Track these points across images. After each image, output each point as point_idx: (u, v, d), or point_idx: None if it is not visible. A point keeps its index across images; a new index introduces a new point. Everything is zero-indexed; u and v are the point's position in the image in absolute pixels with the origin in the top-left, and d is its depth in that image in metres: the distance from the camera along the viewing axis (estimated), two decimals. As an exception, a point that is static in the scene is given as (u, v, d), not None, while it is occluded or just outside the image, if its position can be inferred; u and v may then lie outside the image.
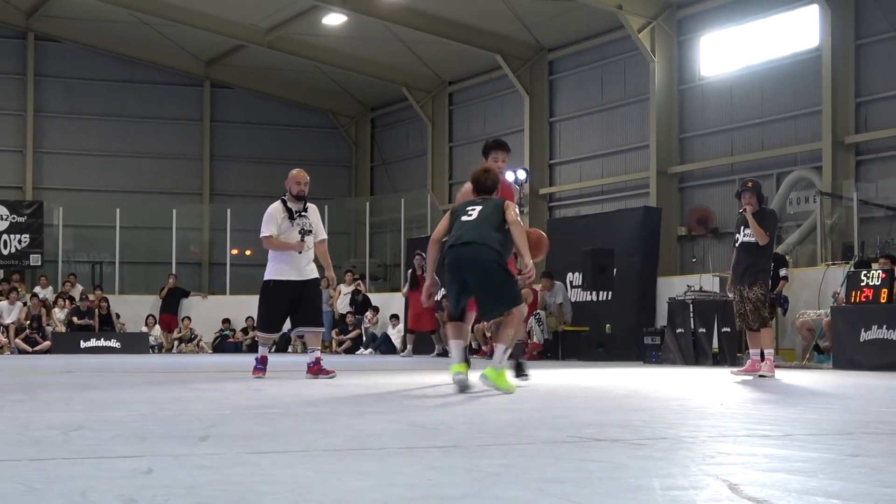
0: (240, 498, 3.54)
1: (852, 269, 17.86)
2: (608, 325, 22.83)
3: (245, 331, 31.00)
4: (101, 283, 32.10)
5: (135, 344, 28.95)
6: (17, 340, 27.92)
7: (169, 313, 31.16)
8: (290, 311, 12.80)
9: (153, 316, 30.84)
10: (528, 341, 23.20)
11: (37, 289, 30.81)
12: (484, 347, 22.98)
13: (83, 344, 28.26)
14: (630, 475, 4.12)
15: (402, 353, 26.26)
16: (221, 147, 36.95)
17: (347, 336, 28.63)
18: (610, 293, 23.10)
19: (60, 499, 3.47)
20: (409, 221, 33.17)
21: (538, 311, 23.13)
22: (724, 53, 26.15)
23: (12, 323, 28.34)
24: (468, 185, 10.68)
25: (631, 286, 22.98)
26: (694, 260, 25.27)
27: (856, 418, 7.21)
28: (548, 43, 30.43)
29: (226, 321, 31.15)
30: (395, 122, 37.42)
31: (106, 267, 33.83)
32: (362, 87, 36.05)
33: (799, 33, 24.47)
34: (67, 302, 29.92)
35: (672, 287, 22.32)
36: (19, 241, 32.49)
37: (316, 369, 12.55)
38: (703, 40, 26.66)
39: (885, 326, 16.11)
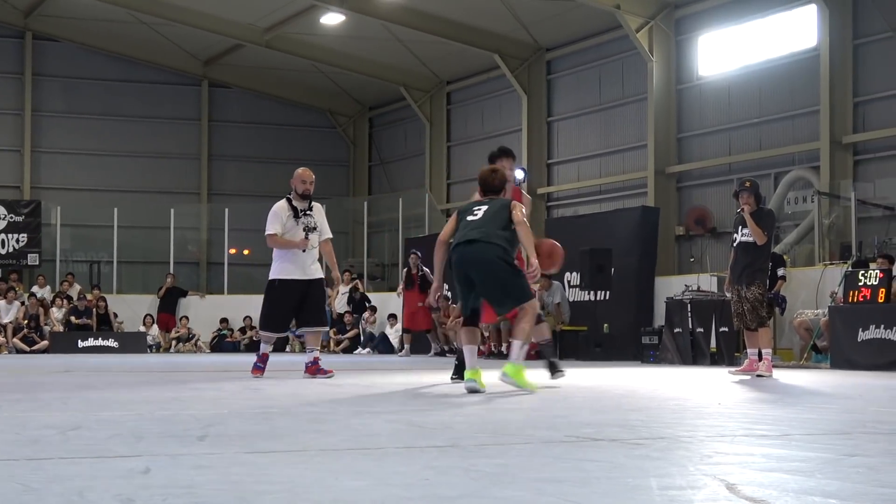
0: (237, 497, 3.54)
1: (850, 268, 17.86)
2: (606, 325, 22.83)
3: (243, 330, 30.99)
4: (98, 283, 32.08)
5: (132, 343, 28.94)
6: (15, 340, 27.91)
7: (167, 313, 31.13)
8: (295, 310, 12.76)
9: (151, 315, 30.83)
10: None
11: (34, 288, 30.80)
12: (482, 347, 22.97)
13: (81, 343, 28.25)
14: (628, 475, 4.13)
15: (399, 353, 26.26)
16: (219, 146, 36.94)
17: (345, 336, 28.63)
18: (608, 293, 23.09)
19: (58, 498, 3.47)
20: (406, 221, 33.17)
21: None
22: (722, 53, 26.15)
23: (10, 322, 28.33)
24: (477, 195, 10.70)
25: (629, 286, 22.98)
26: (692, 260, 25.26)
27: (853, 418, 7.21)
28: (546, 42, 30.43)
29: (223, 321, 31.13)
30: (393, 121, 37.41)
31: (104, 266, 33.81)
32: (360, 86, 36.05)
33: (797, 33, 24.48)
34: (65, 301, 29.91)
35: (670, 287, 22.32)
36: (17, 241, 32.47)
37: (314, 369, 12.56)
38: (701, 40, 26.66)
39: (882, 326, 16.11)
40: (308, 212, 12.71)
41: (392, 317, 28.12)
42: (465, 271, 9.65)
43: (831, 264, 20.35)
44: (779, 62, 24.84)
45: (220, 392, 9.71)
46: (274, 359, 13.27)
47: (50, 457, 4.58)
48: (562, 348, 23.24)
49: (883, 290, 16.35)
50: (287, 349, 29.96)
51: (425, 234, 31.87)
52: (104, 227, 33.42)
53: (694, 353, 19.35)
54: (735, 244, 13.59)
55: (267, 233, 12.65)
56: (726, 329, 18.57)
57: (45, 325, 28.75)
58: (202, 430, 5.76)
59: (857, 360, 16.23)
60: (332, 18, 30.61)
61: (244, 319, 31.02)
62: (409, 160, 36.30)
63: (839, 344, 16.80)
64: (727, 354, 18.64)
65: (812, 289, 19.90)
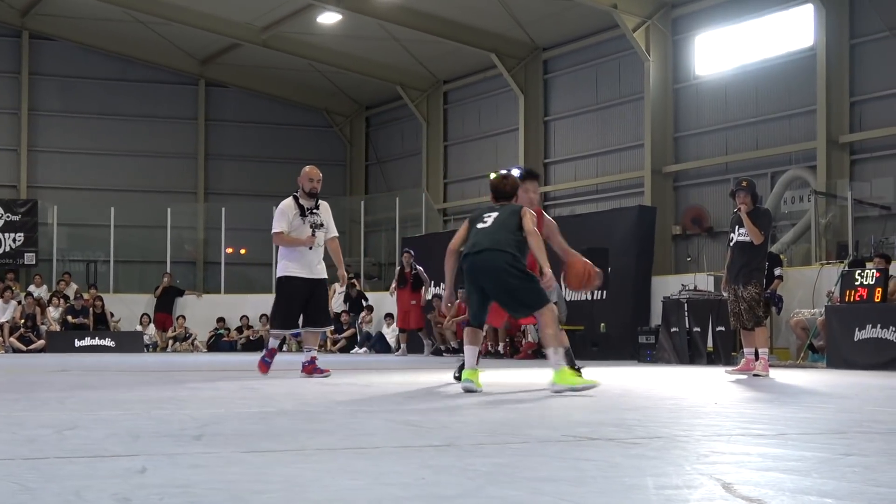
0: (234, 497, 3.54)
1: (846, 268, 17.87)
2: (603, 325, 22.84)
3: (240, 329, 30.98)
4: (95, 282, 32.07)
5: (129, 343, 28.92)
6: (12, 339, 27.89)
7: (163, 312, 31.13)
8: (303, 308, 12.72)
9: (148, 315, 30.81)
10: (524, 340, 23.24)
11: (31, 287, 30.77)
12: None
13: (78, 343, 28.24)
14: (624, 474, 4.13)
15: (396, 353, 26.27)
16: (216, 146, 36.93)
17: (342, 335, 28.62)
18: (604, 292, 23.09)
19: (54, 498, 3.47)
20: (403, 220, 33.18)
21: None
22: (719, 53, 26.16)
23: (7, 322, 28.31)
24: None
25: (626, 285, 22.98)
26: (688, 259, 25.28)
27: (850, 417, 7.22)
28: (542, 42, 30.43)
29: (220, 320, 31.12)
30: (389, 120, 37.41)
31: (100, 266, 33.79)
32: (357, 85, 36.04)
33: (793, 33, 24.49)
34: (62, 301, 29.89)
35: (667, 286, 22.33)
36: (14, 240, 32.46)
37: (311, 368, 12.55)
38: (698, 40, 26.67)
39: (878, 326, 16.12)
40: (315, 210, 12.68)
41: (389, 316, 28.11)
42: (476, 281, 9.58)
43: (828, 264, 20.36)
44: (775, 62, 24.85)
45: (217, 391, 9.71)
46: (275, 358, 13.25)
47: (46, 456, 4.58)
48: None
49: (879, 289, 16.35)
50: (284, 348, 29.95)
51: (422, 233, 31.90)
52: (101, 226, 33.41)
53: (691, 353, 19.36)
54: (732, 244, 13.59)
55: (273, 231, 12.62)
56: (723, 328, 18.57)
57: (42, 324, 28.72)
58: (199, 429, 5.76)
59: (853, 360, 16.24)
60: (329, 18, 30.61)
61: (241, 319, 31.02)
62: (406, 159, 36.30)
63: (836, 343, 16.81)
64: (724, 354, 18.65)
65: (809, 288, 19.92)
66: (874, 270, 16.71)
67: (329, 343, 28.34)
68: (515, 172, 22.55)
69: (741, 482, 3.90)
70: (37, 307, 28.81)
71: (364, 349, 28.16)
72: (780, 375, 13.65)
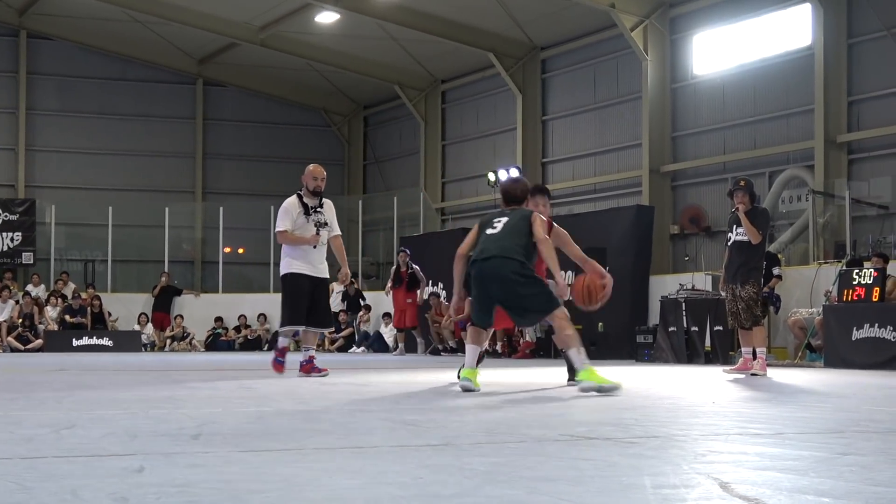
0: (231, 496, 3.54)
1: (844, 267, 17.88)
2: (601, 324, 22.82)
3: (237, 329, 30.98)
4: (93, 282, 32.06)
5: (127, 342, 28.92)
6: (10, 339, 27.88)
7: (161, 311, 31.12)
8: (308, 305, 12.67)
9: (146, 314, 30.80)
10: (521, 340, 23.24)
11: (29, 287, 30.76)
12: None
13: (75, 342, 28.23)
14: (621, 473, 4.13)
15: (394, 352, 26.27)
16: (214, 145, 36.93)
17: (340, 334, 28.62)
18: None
19: (52, 497, 3.47)
20: (401, 220, 33.20)
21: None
22: (717, 52, 26.17)
23: (4, 321, 28.30)
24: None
25: (623, 284, 22.89)
26: (686, 258, 25.29)
27: (847, 417, 7.22)
28: (540, 41, 30.44)
29: (218, 319, 31.12)
30: (387, 120, 37.42)
31: (98, 265, 33.79)
32: (355, 85, 36.04)
33: (791, 32, 24.50)
34: (60, 300, 29.89)
35: (664, 285, 22.33)
36: (11, 240, 32.46)
37: (308, 367, 12.55)
38: (696, 39, 26.68)
39: (876, 325, 16.13)
40: (319, 208, 12.65)
41: (387, 315, 28.11)
42: (486, 288, 9.52)
43: (826, 263, 20.37)
44: (773, 61, 24.86)
45: (215, 391, 9.70)
46: (269, 358, 13.25)
47: (44, 455, 4.58)
48: (556, 347, 23.25)
49: (877, 288, 16.36)
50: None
51: (420, 232, 31.90)
52: (99, 225, 33.40)
53: (688, 352, 19.36)
54: (729, 243, 13.58)
55: (277, 229, 12.59)
56: (721, 328, 18.57)
57: (40, 323, 28.71)
58: (196, 428, 5.76)
59: (851, 359, 16.25)
60: (327, 17, 30.61)
61: (239, 318, 31.02)
62: (404, 159, 36.31)
63: (833, 343, 16.82)
64: (722, 353, 18.65)
65: (806, 288, 19.92)
66: (872, 270, 16.72)
67: (327, 342, 28.34)
68: (514, 173, 22.47)
69: (738, 481, 3.90)
70: (35, 306, 28.80)
71: (362, 348, 28.17)
72: (777, 375, 13.66)
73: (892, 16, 22.77)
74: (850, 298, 16.72)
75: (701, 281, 21.20)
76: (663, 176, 27.00)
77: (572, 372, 10.94)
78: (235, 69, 35.97)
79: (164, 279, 31.65)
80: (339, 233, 12.99)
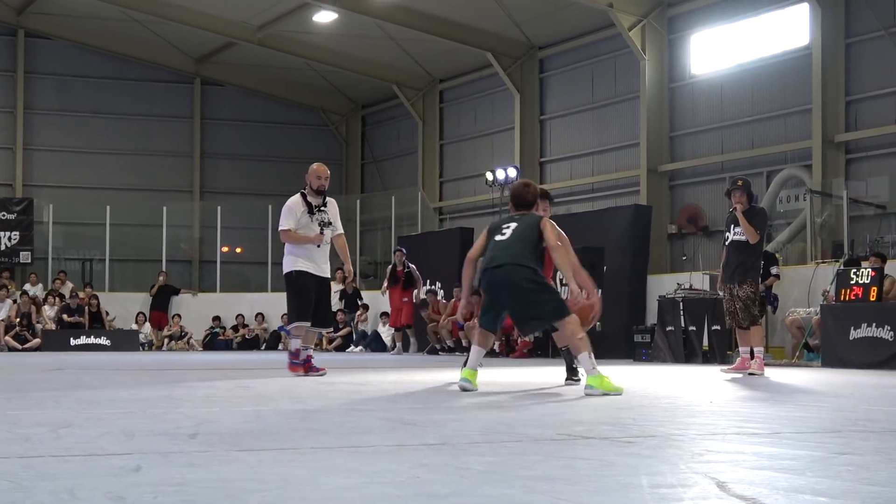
0: (228, 496, 3.53)
1: (842, 267, 17.89)
2: (598, 323, 22.76)
3: (235, 328, 30.97)
4: (91, 281, 32.04)
5: (125, 341, 28.91)
6: (7, 338, 27.85)
7: (159, 311, 31.11)
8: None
9: (143, 313, 30.80)
10: (519, 339, 23.22)
11: (27, 286, 30.74)
12: (449, 343, 23.00)
13: (73, 341, 28.21)
14: (618, 473, 4.13)
15: (392, 351, 26.28)
16: (212, 144, 36.91)
17: (338, 334, 28.61)
18: (600, 291, 23.02)
19: (48, 496, 3.47)
20: (399, 219, 33.19)
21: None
22: (715, 52, 26.18)
23: (2, 320, 28.26)
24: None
25: (621, 284, 22.96)
26: (684, 258, 25.28)
27: (844, 416, 7.22)
28: (538, 41, 30.44)
29: (216, 318, 31.11)
30: (385, 119, 37.41)
31: (96, 264, 33.77)
32: (353, 84, 36.03)
33: (789, 32, 24.51)
34: (57, 299, 29.87)
35: (662, 285, 22.32)
36: (9, 239, 32.44)
37: (306, 367, 12.54)
38: (694, 38, 26.69)
39: (874, 325, 16.14)
40: (323, 207, 12.61)
41: (384, 315, 28.12)
42: (496, 296, 9.48)
43: (823, 263, 20.38)
44: (771, 61, 24.87)
45: (212, 390, 9.70)
46: (267, 357, 13.25)
47: (41, 455, 4.57)
48: (553, 346, 23.23)
49: (875, 288, 16.37)
50: (280, 347, 29.95)
51: (418, 231, 31.90)
52: (96, 224, 33.38)
53: (686, 352, 19.36)
54: (727, 243, 13.58)
55: (281, 228, 12.53)
56: (718, 327, 18.58)
57: (38, 322, 28.69)
58: (193, 428, 5.76)
59: (848, 359, 16.26)
60: (325, 16, 30.60)
61: (236, 317, 31.03)
62: (402, 158, 36.31)
63: (831, 342, 16.82)
64: (719, 353, 18.66)
65: (804, 287, 19.93)
66: (869, 269, 16.73)
67: (325, 341, 28.34)
68: (512, 172, 22.37)
69: (736, 481, 3.90)
70: (32, 306, 28.77)
71: (360, 348, 28.16)
72: (775, 374, 13.66)
73: (890, 16, 22.79)
74: (847, 298, 16.72)
75: (699, 280, 21.20)
76: (661, 175, 27.01)
77: (570, 371, 10.96)
78: (233, 68, 35.95)
79: (161, 278, 31.64)
80: (342, 232, 12.96)
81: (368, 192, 37.18)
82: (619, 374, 14.01)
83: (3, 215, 32.45)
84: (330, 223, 12.61)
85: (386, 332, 27.83)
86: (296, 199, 12.61)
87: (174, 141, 36.37)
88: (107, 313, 30.22)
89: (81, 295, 30.03)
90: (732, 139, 25.75)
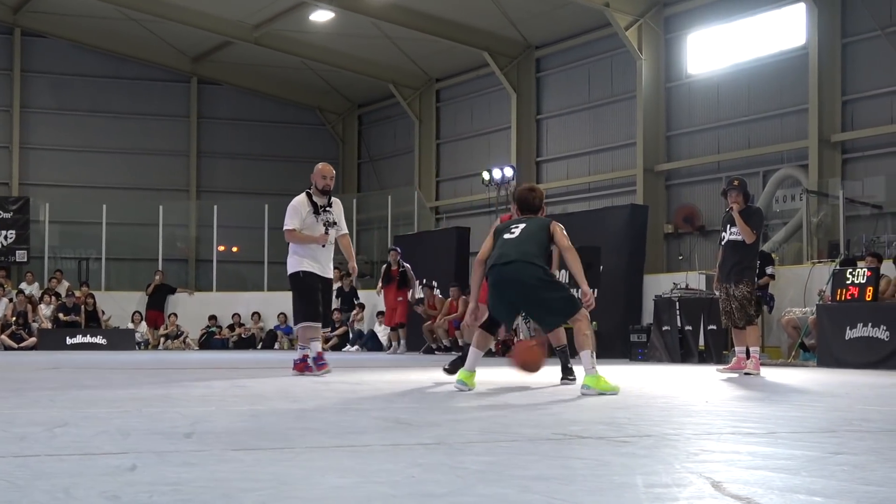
0: (223, 495, 3.53)
1: (838, 267, 17.90)
2: (594, 323, 22.75)
3: (231, 327, 30.96)
4: (87, 280, 32.01)
5: (121, 340, 28.89)
6: (3, 337, 27.83)
7: (155, 310, 31.07)
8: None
9: (139, 312, 30.78)
10: (515, 339, 23.20)
11: (23, 285, 30.72)
12: (446, 342, 22.97)
13: (69, 340, 28.19)
14: (614, 472, 4.13)
15: (388, 351, 26.28)
16: (208, 143, 36.89)
17: (334, 333, 28.61)
18: (596, 290, 23.03)
19: (44, 495, 3.47)
20: (396, 218, 33.18)
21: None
22: (712, 51, 26.19)
23: (-2, 319, 28.28)
24: (497, 225, 10.67)
25: (617, 283, 22.98)
26: (680, 258, 25.31)
27: (840, 416, 7.23)
28: (535, 40, 30.45)
29: (212, 318, 31.10)
30: (382, 118, 37.40)
31: (92, 263, 33.73)
32: (350, 83, 36.02)
33: (786, 32, 24.53)
34: (53, 298, 29.84)
35: (658, 284, 22.33)
36: (5, 238, 32.40)
37: (302, 366, 12.54)
38: (690, 38, 26.69)
39: (870, 325, 16.15)
40: (328, 207, 12.58)
41: (381, 314, 28.13)
42: (505, 293, 9.42)
43: (819, 262, 20.39)
44: (767, 61, 24.88)
45: (208, 389, 9.70)
46: (263, 356, 13.24)
47: (36, 454, 4.57)
48: (550, 346, 23.24)
49: (871, 288, 16.38)
50: (276, 346, 29.95)
51: (414, 231, 31.90)
52: (93, 223, 33.35)
53: (682, 351, 19.37)
54: (723, 242, 13.59)
55: (286, 227, 12.45)
56: (714, 327, 18.59)
57: (34, 321, 28.67)
58: (189, 427, 5.76)
59: (844, 359, 16.27)
60: (322, 16, 30.59)
61: (233, 317, 31.01)
62: (399, 158, 36.30)
63: (827, 342, 16.83)
64: (715, 352, 18.66)
65: (800, 287, 19.94)
66: (865, 269, 16.74)
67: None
68: (508, 172, 22.34)
69: (730, 480, 3.91)
70: (28, 304, 28.76)
71: (356, 347, 28.16)
72: (771, 374, 13.67)
73: (886, 16, 22.81)
74: (843, 298, 16.74)
75: (695, 280, 21.21)
76: (657, 175, 27.02)
77: (566, 371, 10.96)
78: (230, 67, 35.94)
79: (157, 277, 31.61)
80: (346, 231, 12.95)
81: (365, 191, 37.18)
82: (616, 373, 14.01)
83: (0, 214, 32.42)
84: (335, 223, 12.59)
85: (382, 332, 27.82)
86: (301, 198, 12.56)
87: (171, 140, 36.36)
88: (102, 312, 30.21)
89: (77, 294, 30.01)
90: (729, 139, 25.76)
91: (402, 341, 25.76)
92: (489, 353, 22.47)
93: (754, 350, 13.42)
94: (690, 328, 19.36)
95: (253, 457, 4.55)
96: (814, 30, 23.41)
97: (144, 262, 33.76)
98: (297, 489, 3.70)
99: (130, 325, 30.31)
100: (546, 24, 29.22)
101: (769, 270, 19.56)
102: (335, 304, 28.95)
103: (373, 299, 28.73)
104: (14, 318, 28.29)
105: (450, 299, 24.95)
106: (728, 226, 13.48)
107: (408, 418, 6.61)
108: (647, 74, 26.80)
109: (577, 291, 12.03)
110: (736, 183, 13.57)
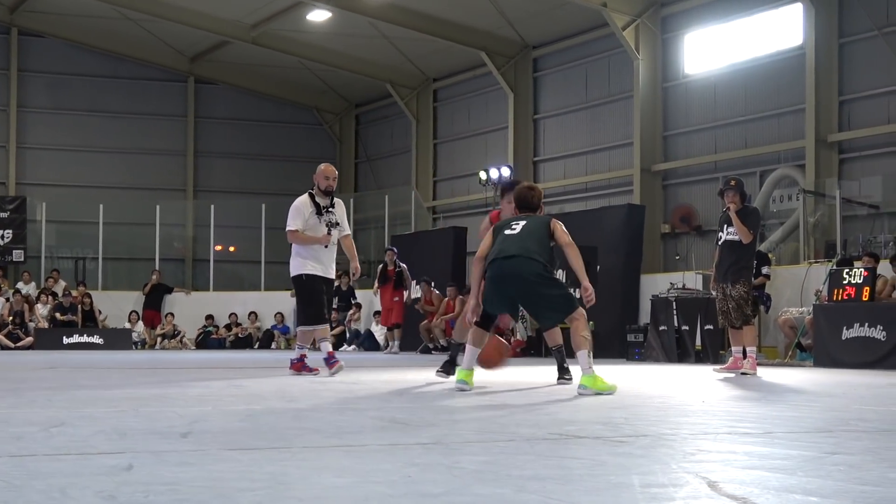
0: (220, 495, 3.53)
1: (835, 267, 17.91)
2: (591, 323, 22.76)
3: (228, 327, 30.95)
4: (84, 279, 32.00)
5: (118, 340, 28.87)
6: (0, 336, 27.82)
7: (152, 309, 31.07)
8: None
9: (136, 312, 30.77)
10: (512, 338, 23.22)
11: (19, 284, 30.71)
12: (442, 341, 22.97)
13: (66, 340, 28.17)
14: (610, 472, 4.13)
15: (385, 350, 26.27)
16: (205, 143, 36.89)
17: (331, 332, 28.57)
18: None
19: (40, 495, 3.47)
20: (392, 218, 33.18)
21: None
22: (709, 51, 26.20)
23: (-5, 319, 28.27)
24: (486, 222, 10.66)
25: (614, 283, 22.99)
26: (677, 257, 25.32)
27: (836, 416, 7.23)
28: (532, 40, 30.45)
29: (209, 317, 31.09)
30: (379, 118, 37.40)
31: (89, 263, 33.74)
32: (347, 83, 36.02)
33: (783, 31, 24.54)
34: (50, 298, 29.83)
35: (655, 284, 22.35)
36: (2, 237, 32.38)
37: (299, 366, 12.54)
38: (688, 38, 26.71)
39: (866, 324, 16.16)
40: (331, 208, 12.57)
41: (378, 314, 28.12)
42: (504, 288, 9.39)
43: (816, 262, 20.40)
44: (764, 61, 24.90)
45: (205, 389, 9.69)
46: (259, 356, 13.24)
47: (33, 454, 4.57)
48: (547, 346, 23.25)
49: (867, 288, 16.39)
50: (273, 346, 29.95)
51: (411, 231, 31.90)
52: (89, 223, 33.34)
53: (679, 351, 19.38)
54: (720, 242, 13.60)
55: (289, 228, 12.41)
56: (711, 327, 18.60)
57: (30, 321, 28.66)
58: (186, 427, 5.76)
59: (841, 359, 16.28)
60: (319, 15, 30.59)
61: (229, 316, 31.01)
62: (396, 157, 36.30)
63: (823, 342, 16.84)
64: (712, 352, 18.67)
65: (797, 287, 19.95)
66: (862, 269, 16.75)
67: (318, 340, 28.28)
68: (505, 171, 22.36)
69: (727, 480, 3.91)
70: (25, 304, 28.74)
71: (353, 347, 28.15)
72: (767, 374, 13.68)
73: (883, 16, 22.82)
74: (840, 298, 16.74)
75: (692, 280, 21.22)
76: (654, 175, 27.02)
77: (562, 371, 10.95)
78: (227, 67, 35.93)
79: (154, 277, 31.60)
80: (349, 232, 12.94)
81: (362, 191, 37.18)
82: (612, 373, 14.01)
83: (-4, 213, 32.44)
84: (337, 224, 12.58)
85: (379, 331, 27.82)
86: (304, 199, 12.53)
87: (168, 139, 36.35)
88: (99, 312, 30.19)
89: (74, 293, 30.00)
90: (726, 139, 25.77)
91: (396, 341, 25.75)
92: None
93: (751, 350, 13.42)
94: (687, 328, 19.37)
95: (249, 456, 4.55)
96: (811, 30, 23.42)
97: (141, 261, 33.76)
98: (294, 489, 3.70)
99: (127, 325, 30.29)
100: (543, 23, 29.23)
101: (765, 270, 19.57)
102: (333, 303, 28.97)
103: (369, 299, 28.73)
104: (11, 318, 28.28)
105: (447, 299, 24.95)
106: (725, 226, 13.49)
107: (404, 418, 6.61)
108: (644, 74, 26.81)
109: (577, 291, 12.06)
110: (733, 183, 13.58)
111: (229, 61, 35.41)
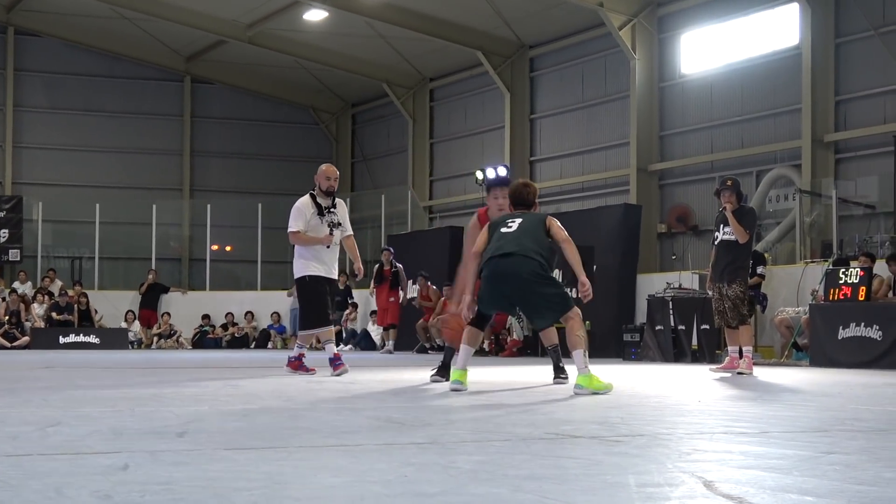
0: (216, 494, 3.53)
1: (831, 266, 17.93)
2: (588, 322, 22.73)
3: (225, 327, 30.95)
4: (80, 279, 31.99)
5: (114, 339, 28.87)
6: (-4, 336, 27.82)
7: (148, 309, 31.08)
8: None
9: (132, 311, 30.76)
10: (508, 338, 23.24)
11: (16, 284, 30.70)
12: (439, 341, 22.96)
13: (62, 339, 28.17)
14: (606, 472, 4.13)
15: (381, 350, 26.26)
16: (202, 142, 36.87)
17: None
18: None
19: (36, 495, 3.46)
20: (389, 218, 33.19)
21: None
22: (705, 51, 26.21)
23: (-9, 318, 28.24)
24: (474, 220, 10.64)
25: (611, 283, 23.00)
26: (673, 257, 25.32)
27: (832, 416, 7.23)
28: (529, 40, 30.46)
29: (205, 317, 31.09)
30: (375, 118, 37.40)
31: (85, 262, 33.72)
32: (343, 83, 36.02)
33: (779, 31, 24.55)
34: (46, 297, 29.82)
35: (652, 284, 22.36)
36: (-2, 236, 32.39)
37: (296, 364, 12.53)
38: (684, 38, 26.72)
39: (862, 324, 16.17)
40: (332, 209, 12.56)
41: (374, 313, 28.13)
42: (500, 286, 9.35)
43: (812, 262, 20.43)
44: (761, 60, 24.91)
45: (201, 389, 9.69)
46: (256, 355, 13.23)
47: (28, 453, 4.57)
48: (543, 345, 23.25)
49: (863, 288, 16.40)
50: (269, 345, 29.94)
51: (407, 230, 31.90)
52: (86, 222, 33.33)
53: (675, 351, 19.38)
54: (716, 242, 13.61)
55: (290, 229, 12.39)
56: (707, 326, 18.61)
57: (27, 320, 28.64)
58: (182, 426, 5.76)
59: (837, 358, 16.30)
60: (315, 15, 30.59)
61: (226, 316, 31.00)
62: (392, 157, 36.29)
63: (819, 342, 16.85)
64: (708, 352, 18.69)
65: (793, 287, 19.97)
66: (858, 269, 16.76)
67: (315, 340, 28.26)
68: (502, 171, 22.46)
69: (722, 480, 3.91)
70: (21, 304, 28.72)
71: (349, 346, 28.15)
72: (763, 373, 13.68)
73: (879, 16, 22.84)
74: (836, 297, 16.76)
75: (688, 280, 21.23)
76: (651, 175, 27.03)
77: (558, 371, 10.94)
78: (223, 66, 35.92)
79: (151, 276, 31.60)
80: (351, 232, 12.92)
81: (358, 190, 37.16)
82: (609, 372, 14.01)
83: (-7, 213, 32.44)
84: (339, 224, 12.56)
85: (376, 331, 27.82)
86: (305, 200, 12.52)
87: (164, 139, 36.34)
88: (96, 311, 30.18)
89: (70, 293, 29.98)
90: (722, 139, 25.78)
91: (391, 341, 25.74)
92: (482, 353, 22.51)
93: (747, 350, 13.44)
94: (683, 328, 19.38)
95: (245, 456, 4.55)
96: (807, 30, 23.44)
97: (138, 261, 33.75)
98: (290, 488, 3.70)
99: (123, 325, 30.29)
100: (540, 23, 29.23)
101: (760, 270, 19.57)
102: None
103: (365, 299, 28.73)
104: (7, 318, 28.26)
105: (443, 299, 24.93)
106: (721, 225, 13.51)
107: (400, 418, 6.61)
108: (641, 74, 26.82)
109: (573, 291, 12.07)
110: (729, 183, 13.59)
111: (226, 61, 35.41)
